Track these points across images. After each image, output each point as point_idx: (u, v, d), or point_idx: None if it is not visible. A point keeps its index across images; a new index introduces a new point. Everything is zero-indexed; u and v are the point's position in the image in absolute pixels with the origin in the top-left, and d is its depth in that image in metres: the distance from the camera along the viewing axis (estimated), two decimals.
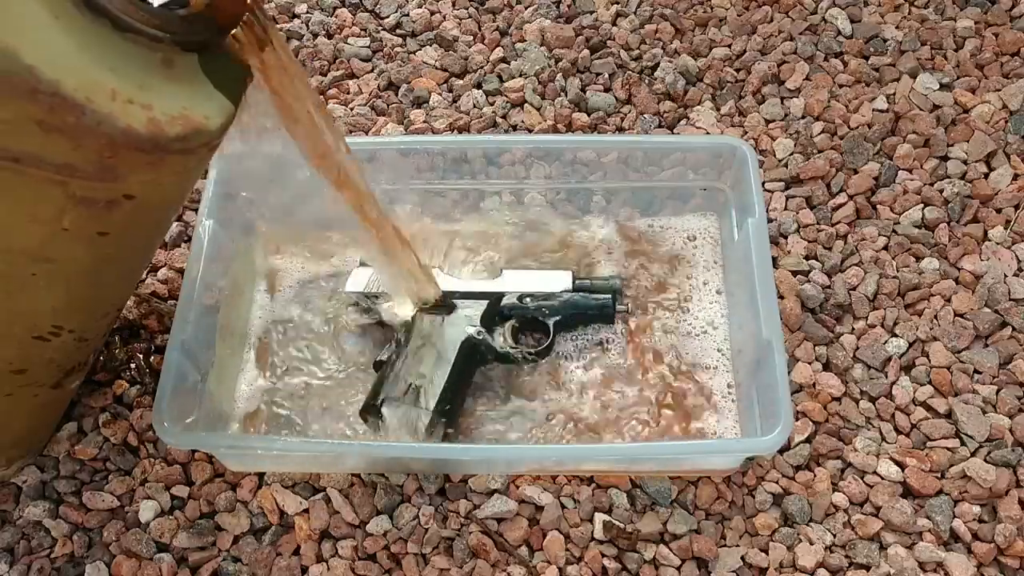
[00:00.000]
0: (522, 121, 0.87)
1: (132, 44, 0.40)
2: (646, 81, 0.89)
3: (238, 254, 0.75)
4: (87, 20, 0.39)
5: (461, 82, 0.91)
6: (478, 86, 0.90)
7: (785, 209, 0.80)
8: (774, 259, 0.75)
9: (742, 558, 0.65)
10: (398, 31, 0.96)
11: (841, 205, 0.80)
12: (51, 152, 0.40)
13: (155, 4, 0.42)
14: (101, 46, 0.39)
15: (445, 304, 0.71)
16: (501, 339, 0.72)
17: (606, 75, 0.89)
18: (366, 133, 0.87)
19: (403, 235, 0.64)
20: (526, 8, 0.96)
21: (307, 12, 0.98)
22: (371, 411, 0.67)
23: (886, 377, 0.71)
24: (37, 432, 0.69)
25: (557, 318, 0.72)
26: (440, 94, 0.90)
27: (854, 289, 0.76)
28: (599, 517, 0.66)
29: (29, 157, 0.40)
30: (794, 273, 0.76)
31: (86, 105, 0.38)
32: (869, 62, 0.89)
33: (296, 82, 0.49)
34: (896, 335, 0.73)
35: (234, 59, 0.45)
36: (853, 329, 0.74)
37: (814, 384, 0.71)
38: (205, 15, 0.43)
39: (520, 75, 0.90)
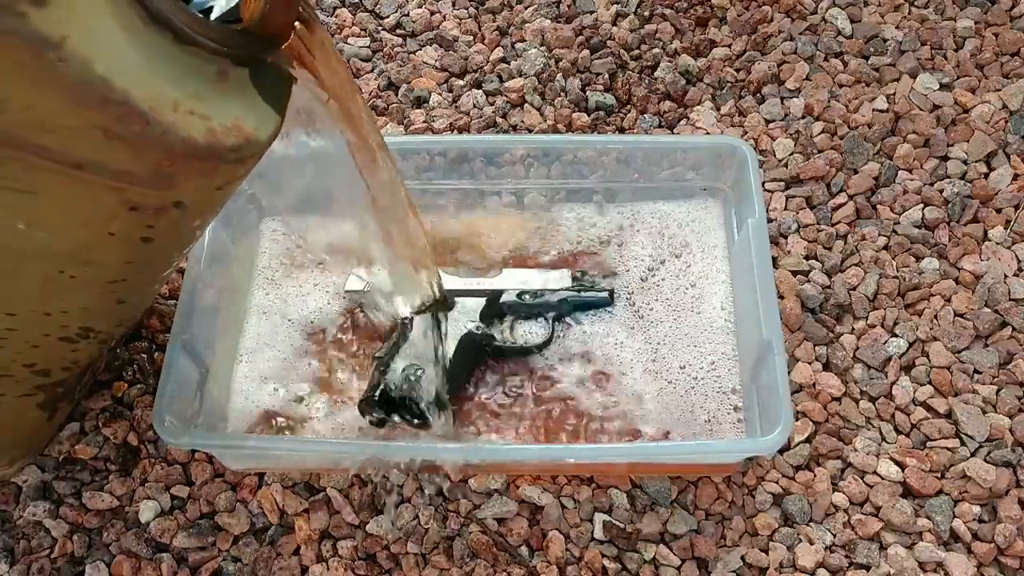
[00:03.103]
0: (522, 121, 0.87)
1: (192, 57, 0.41)
2: (646, 81, 0.89)
3: (238, 254, 0.75)
4: (152, 33, 0.40)
5: (461, 82, 0.91)
6: (478, 86, 0.90)
7: (785, 209, 0.80)
8: (774, 259, 0.75)
9: (742, 558, 0.65)
10: (398, 31, 0.96)
11: (841, 205, 0.80)
12: (113, 159, 0.41)
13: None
14: (164, 58, 0.40)
15: (447, 304, 0.71)
16: (500, 335, 0.72)
17: (606, 75, 0.89)
18: None
19: (422, 230, 0.64)
20: (526, 8, 0.96)
21: None
22: (369, 405, 0.67)
23: (886, 377, 0.71)
24: (39, 432, 0.69)
25: (555, 315, 0.73)
26: (440, 94, 0.90)
27: (854, 289, 0.76)
28: (599, 517, 0.66)
29: (91, 164, 0.41)
30: (794, 273, 0.76)
31: (151, 115, 0.39)
32: (869, 62, 0.89)
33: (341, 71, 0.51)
34: (896, 335, 0.73)
35: (281, 67, 0.46)
36: (853, 329, 0.74)
37: (814, 384, 0.71)
38: (256, 30, 0.43)
39: (520, 75, 0.90)
